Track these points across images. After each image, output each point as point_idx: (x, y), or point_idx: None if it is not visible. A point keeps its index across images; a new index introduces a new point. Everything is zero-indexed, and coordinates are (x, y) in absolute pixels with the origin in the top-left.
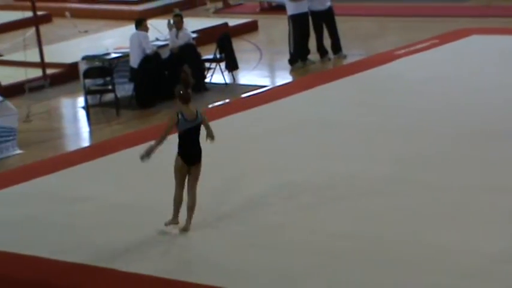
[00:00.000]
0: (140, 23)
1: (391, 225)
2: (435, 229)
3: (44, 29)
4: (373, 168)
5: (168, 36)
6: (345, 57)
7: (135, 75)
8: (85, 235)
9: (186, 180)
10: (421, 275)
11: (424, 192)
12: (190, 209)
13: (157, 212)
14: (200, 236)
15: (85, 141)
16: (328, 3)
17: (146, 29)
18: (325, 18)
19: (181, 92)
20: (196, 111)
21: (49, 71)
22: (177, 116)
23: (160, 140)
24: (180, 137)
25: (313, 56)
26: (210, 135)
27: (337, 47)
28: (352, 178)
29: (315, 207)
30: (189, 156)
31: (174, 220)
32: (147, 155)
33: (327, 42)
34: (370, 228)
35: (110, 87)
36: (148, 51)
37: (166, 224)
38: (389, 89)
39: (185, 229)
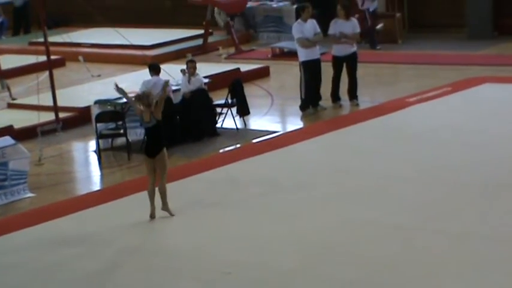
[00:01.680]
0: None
1: (404, 274)
2: (446, 279)
3: (57, 73)
4: (382, 216)
5: (180, 81)
6: (357, 105)
7: None
8: (95, 278)
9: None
10: None
11: (434, 241)
12: (163, 194)
13: (166, 256)
14: (210, 283)
15: (96, 185)
16: (353, 49)
17: None
18: (347, 63)
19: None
20: (151, 115)
21: (62, 115)
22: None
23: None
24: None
25: (325, 102)
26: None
27: (353, 94)
28: (362, 226)
29: (326, 254)
30: (149, 150)
31: (152, 212)
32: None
33: (342, 88)
34: (383, 276)
35: (121, 131)
36: (171, 96)
37: (151, 217)
38: (400, 137)
39: (171, 214)
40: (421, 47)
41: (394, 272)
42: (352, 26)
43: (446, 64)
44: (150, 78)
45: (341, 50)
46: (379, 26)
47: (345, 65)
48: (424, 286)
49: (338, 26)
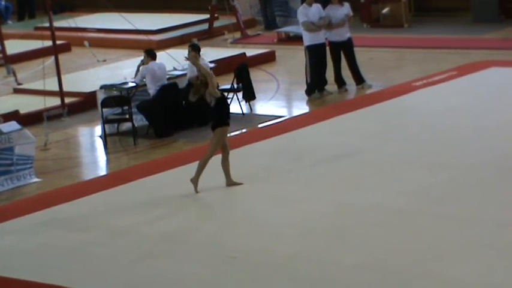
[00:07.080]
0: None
1: (406, 258)
2: (450, 262)
3: (63, 58)
4: (386, 200)
5: (185, 66)
6: (370, 87)
7: (151, 104)
8: (100, 264)
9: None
10: None
11: (439, 225)
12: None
13: (173, 241)
14: (216, 267)
15: (102, 170)
16: (348, 35)
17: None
18: (344, 49)
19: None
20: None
21: (67, 100)
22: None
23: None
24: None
25: (331, 86)
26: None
27: (359, 78)
28: (365, 210)
29: (329, 238)
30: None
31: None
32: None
33: (345, 72)
34: (386, 260)
35: (127, 116)
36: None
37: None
38: (405, 121)
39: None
40: (426, 31)
41: (396, 256)
42: (346, 10)
43: (452, 48)
44: (148, 65)
45: (335, 35)
46: (385, 10)
47: (342, 52)
48: (427, 270)
49: (332, 11)
